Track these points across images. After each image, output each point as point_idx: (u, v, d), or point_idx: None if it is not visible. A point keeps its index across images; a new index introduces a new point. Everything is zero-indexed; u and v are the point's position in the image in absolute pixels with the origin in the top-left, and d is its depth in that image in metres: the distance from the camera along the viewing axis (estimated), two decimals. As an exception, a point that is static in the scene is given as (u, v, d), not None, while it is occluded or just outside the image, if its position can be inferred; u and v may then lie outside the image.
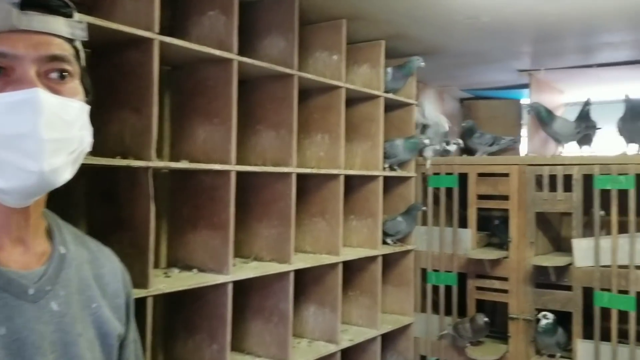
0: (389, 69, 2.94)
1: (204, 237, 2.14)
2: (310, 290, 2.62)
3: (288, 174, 2.34)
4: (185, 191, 2.21)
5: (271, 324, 2.33)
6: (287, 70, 2.33)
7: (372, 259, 2.82)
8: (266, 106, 2.41)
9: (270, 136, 2.39)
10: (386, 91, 2.92)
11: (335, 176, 2.60)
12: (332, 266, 2.55)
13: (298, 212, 2.43)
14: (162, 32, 1.83)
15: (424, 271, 3.48)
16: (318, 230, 2.62)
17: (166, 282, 1.96)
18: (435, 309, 3.43)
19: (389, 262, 3.07)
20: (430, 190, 3.44)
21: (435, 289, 3.42)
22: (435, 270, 3.42)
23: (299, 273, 2.39)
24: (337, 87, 2.60)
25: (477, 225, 3.33)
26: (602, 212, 2.91)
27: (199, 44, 1.98)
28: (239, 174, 2.14)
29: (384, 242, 2.98)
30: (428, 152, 3.30)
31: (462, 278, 3.38)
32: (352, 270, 2.80)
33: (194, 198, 2.18)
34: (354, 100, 2.85)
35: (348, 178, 2.68)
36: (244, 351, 2.38)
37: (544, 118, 3.12)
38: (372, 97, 2.87)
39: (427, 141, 3.12)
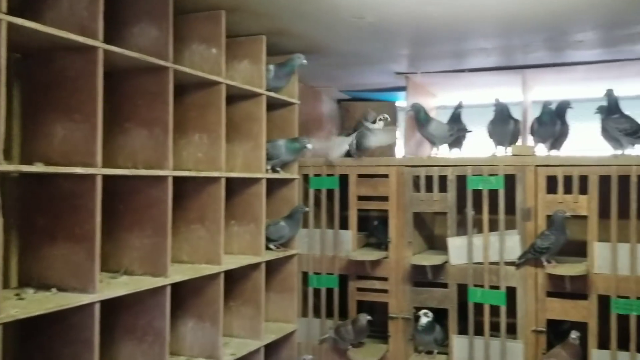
0: (271, 66, 2.81)
1: (64, 251, 1.86)
2: (189, 303, 2.41)
3: (163, 178, 2.12)
4: (41, 198, 1.91)
5: (145, 344, 2.09)
6: (161, 62, 2.10)
7: (255, 266, 2.68)
8: (137, 102, 2.16)
9: (142, 135, 2.15)
10: (268, 89, 2.78)
11: (216, 179, 2.41)
12: (213, 277, 2.37)
13: (174, 219, 2.21)
14: (11, 12, 1.54)
15: (305, 274, 3.41)
16: (197, 239, 2.42)
17: (19, 305, 1.66)
18: (317, 313, 3.37)
19: (272, 268, 2.95)
20: (311, 192, 3.38)
21: (317, 292, 3.36)
22: (317, 273, 3.37)
23: (176, 286, 2.18)
24: (216, 83, 2.42)
25: (357, 227, 3.32)
26: (473, 212, 3.03)
27: (56, 28, 1.70)
28: (106, 178, 1.88)
29: (267, 248, 2.85)
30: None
31: (343, 280, 3.36)
32: (233, 279, 2.64)
33: (51, 206, 1.88)
34: (235, 97, 2.68)
35: (229, 181, 2.51)
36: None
37: (422, 119, 3.19)
38: (254, 95, 2.72)
39: (309, 145, 3.04)
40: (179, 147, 2.43)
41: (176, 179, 2.20)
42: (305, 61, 2.80)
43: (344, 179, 3.33)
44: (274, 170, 2.91)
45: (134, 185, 2.15)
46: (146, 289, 2.02)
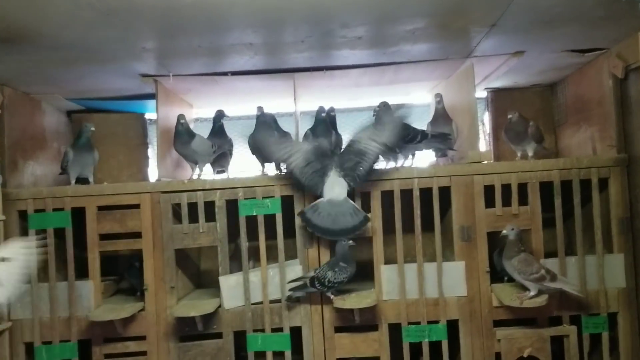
0: None
1: None
2: None
3: None
4: None
5: None
6: None
7: None
8: None
9: None
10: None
11: None
12: None
13: None
14: None
15: (29, 347, 2.50)
16: None
17: None
18: (49, 397, 2.49)
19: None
20: (32, 233, 2.49)
21: (48, 368, 2.48)
22: (47, 343, 2.49)
23: None
24: None
25: (100, 272, 2.54)
26: (247, 243, 2.53)
27: None
28: None
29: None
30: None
31: (84, 347, 2.54)
32: None
33: None
34: None
35: None
36: None
37: (182, 134, 2.58)
38: None
39: None
40: None
41: None
42: None
43: (78, 214, 2.53)
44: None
45: None
46: None
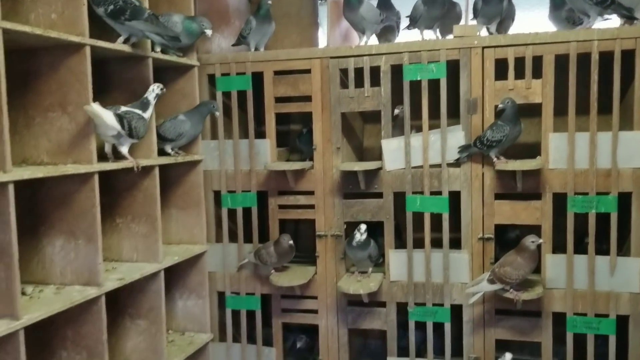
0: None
1: None
2: (54, 216, 1.82)
3: None
4: None
5: (-17, 266, 1.50)
6: None
7: (146, 170, 2.10)
8: None
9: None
10: None
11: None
12: (83, 178, 1.78)
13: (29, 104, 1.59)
14: None
15: (217, 194, 2.87)
16: (58, 130, 1.80)
17: None
18: (233, 238, 2.87)
19: (171, 177, 2.37)
20: (219, 95, 2.81)
21: (232, 214, 2.85)
22: (231, 192, 2.84)
23: (30, 189, 1.57)
24: None
25: (275, 135, 2.80)
26: (398, 111, 2.59)
27: None
28: None
29: (162, 153, 2.26)
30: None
31: (261, 197, 2.86)
32: (116, 188, 2.06)
33: None
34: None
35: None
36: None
37: (351, 0, 2.67)
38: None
39: (208, 31, 2.46)
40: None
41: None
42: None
43: (257, 78, 2.78)
44: (163, 51, 2.29)
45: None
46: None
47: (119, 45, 1.98)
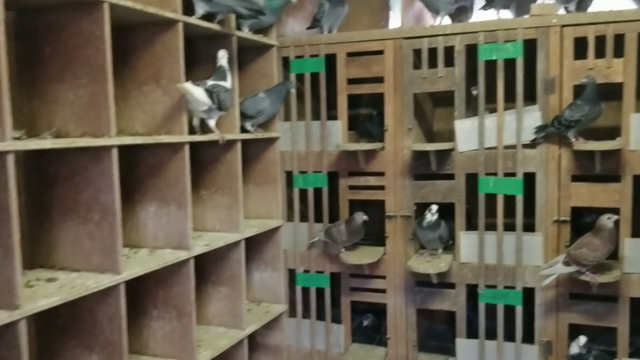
0: None
1: None
2: (148, 184, 1.93)
3: None
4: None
5: (90, 223, 1.62)
6: None
7: (229, 145, 2.19)
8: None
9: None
10: None
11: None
12: (175, 147, 1.88)
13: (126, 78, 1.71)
14: None
15: (289, 175, 2.95)
16: (152, 102, 1.92)
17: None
18: (304, 218, 2.94)
19: (250, 153, 2.47)
20: (292, 78, 2.89)
21: (303, 194, 2.92)
22: (303, 172, 2.92)
23: (127, 156, 1.69)
24: None
25: (347, 116, 2.85)
26: (476, 92, 2.58)
27: None
28: None
29: (242, 130, 2.36)
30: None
31: (332, 178, 2.92)
32: (202, 161, 2.16)
33: None
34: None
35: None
36: (53, 266, 1.66)
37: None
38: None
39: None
40: None
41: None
42: None
43: (330, 60, 2.84)
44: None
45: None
46: (83, 147, 1.54)
47: (208, 23, 2.08)
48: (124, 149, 1.61)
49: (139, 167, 1.91)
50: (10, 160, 1.30)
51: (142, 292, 1.92)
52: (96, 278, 1.57)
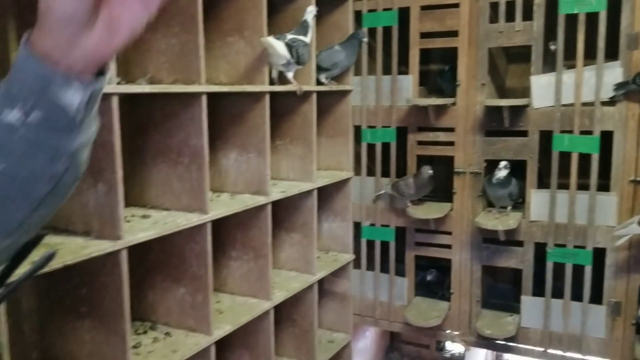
0: None
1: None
2: (229, 132, 2.02)
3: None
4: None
5: (180, 166, 1.73)
6: None
7: (305, 96, 2.24)
8: None
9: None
10: None
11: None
12: (257, 97, 1.95)
13: (206, 21, 1.77)
14: None
15: (357, 129, 2.99)
16: (235, 53, 1.99)
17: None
18: (369, 173, 2.98)
19: (323, 106, 2.51)
20: (364, 31, 2.88)
21: (371, 149, 2.96)
22: (371, 127, 2.94)
23: (211, 105, 1.77)
24: None
25: (419, 71, 2.84)
26: (554, 47, 2.51)
27: None
28: None
29: (318, 82, 2.40)
30: None
31: (401, 133, 2.93)
32: (278, 111, 2.23)
33: None
34: None
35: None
36: (145, 204, 1.79)
37: None
38: None
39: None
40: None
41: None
42: None
43: (402, 14, 2.82)
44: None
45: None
46: (176, 92, 1.63)
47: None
48: (208, 98, 1.69)
49: (221, 116, 2.00)
50: (115, 102, 1.40)
51: (222, 234, 2.04)
52: (185, 216, 1.68)
